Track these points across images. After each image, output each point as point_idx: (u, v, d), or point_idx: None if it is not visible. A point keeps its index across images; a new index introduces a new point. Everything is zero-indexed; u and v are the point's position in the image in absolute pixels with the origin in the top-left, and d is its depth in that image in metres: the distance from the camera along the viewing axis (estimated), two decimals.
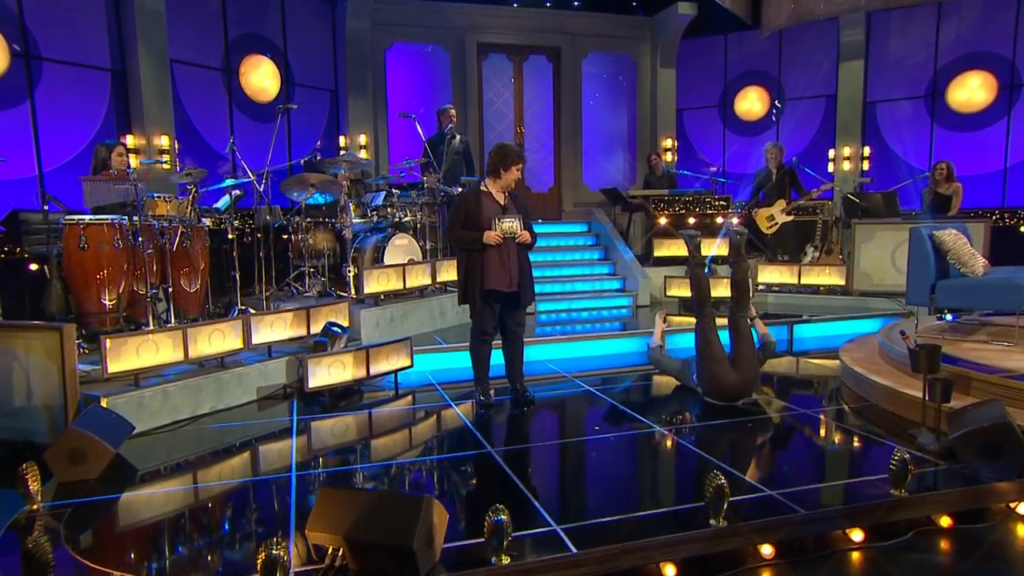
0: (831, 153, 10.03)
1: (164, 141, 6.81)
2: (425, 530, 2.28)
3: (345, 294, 6.11)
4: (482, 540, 2.34)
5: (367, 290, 5.78)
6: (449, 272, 6.58)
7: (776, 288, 7.96)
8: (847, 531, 2.72)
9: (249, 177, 5.68)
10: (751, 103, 10.63)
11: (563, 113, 9.91)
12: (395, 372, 5.04)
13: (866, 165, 9.97)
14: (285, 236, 6.72)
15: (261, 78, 7.98)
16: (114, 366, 3.92)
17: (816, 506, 2.78)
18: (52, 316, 4.42)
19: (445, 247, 7.21)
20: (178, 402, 4.20)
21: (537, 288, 7.63)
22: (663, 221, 8.46)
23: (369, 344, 4.98)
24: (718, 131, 10.92)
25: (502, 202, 4.30)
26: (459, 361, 5.46)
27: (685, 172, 9.32)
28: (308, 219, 6.52)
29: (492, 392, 4.47)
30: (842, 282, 7.64)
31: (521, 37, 9.64)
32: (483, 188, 4.32)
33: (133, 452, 3.66)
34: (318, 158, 7.46)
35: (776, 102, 10.44)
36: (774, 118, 10.44)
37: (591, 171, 10.24)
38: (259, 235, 6.15)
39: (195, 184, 4.82)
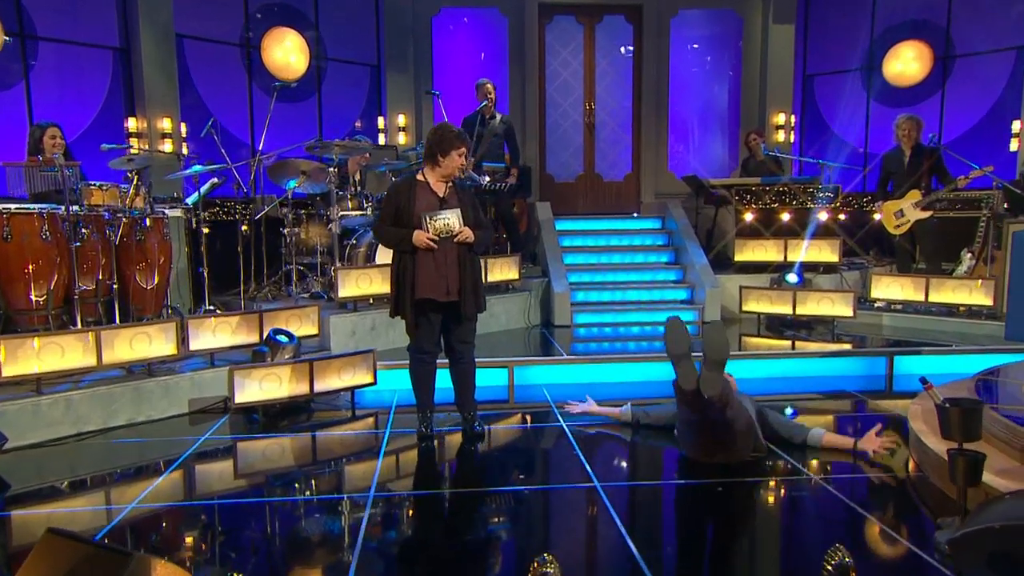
0: (1015, 126, 8.68)
1: (167, 124, 7.19)
2: None
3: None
4: None
5: (342, 293, 5.73)
6: None
7: (898, 306, 7.01)
8: None
9: (225, 164, 5.84)
10: (906, 63, 9.37)
11: (645, 85, 9.35)
12: (351, 390, 4.95)
13: None
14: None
15: (286, 53, 8.22)
16: (9, 370, 4.12)
17: None
18: None
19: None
20: (85, 412, 4.33)
21: (581, 296, 7.40)
22: (749, 217, 7.74)
23: (314, 356, 4.92)
24: (860, 101, 9.82)
25: (441, 193, 4.03)
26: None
27: (784, 155, 8.50)
28: (302, 211, 6.62)
29: (433, 421, 4.24)
30: (989, 302, 6.53)
31: None
32: (419, 177, 4.08)
33: (11, 466, 3.81)
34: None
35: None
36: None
37: (679, 156, 9.61)
38: (255, 228, 6.36)
39: (136, 171, 4.98)
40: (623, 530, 2.91)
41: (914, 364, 5.78)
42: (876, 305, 7.10)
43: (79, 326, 4.76)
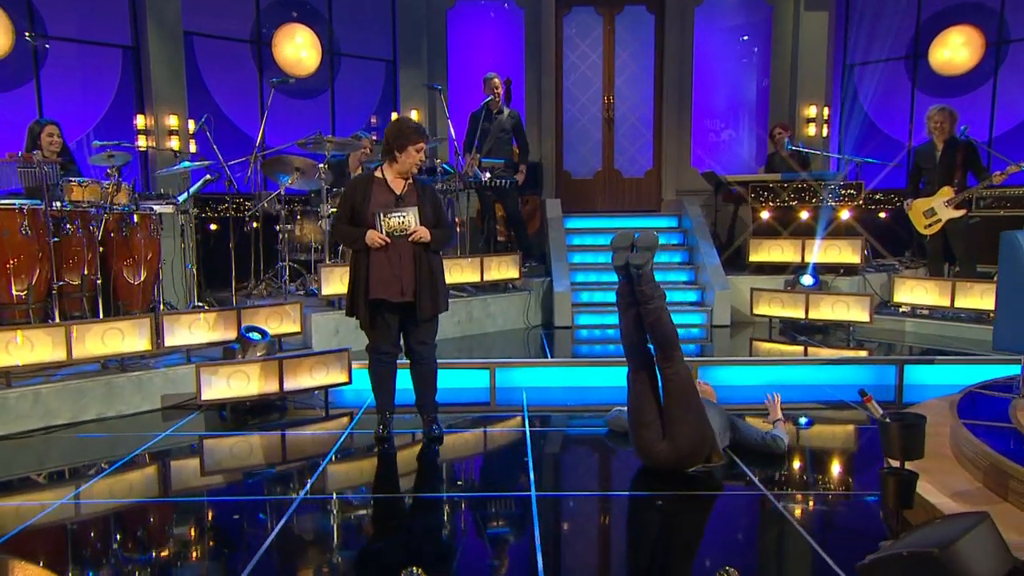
0: None
1: (173, 121, 7.38)
2: None
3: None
4: None
5: (326, 290, 5.77)
6: (452, 273, 6.40)
7: (925, 311, 6.70)
8: None
9: (217, 160, 5.95)
10: (954, 50, 8.91)
11: (667, 78, 9.15)
12: (325, 389, 4.98)
13: None
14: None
15: (297, 49, 8.33)
16: None
17: None
18: None
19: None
20: (54, 406, 4.47)
21: (585, 297, 7.28)
22: (765, 215, 7.50)
23: (285, 354, 4.97)
24: (904, 92, 9.41)
25: (399, 191, 4.01)
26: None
27: (810, 150, 8.18)
28: (297, 208, 6.71)
29: (391, 423, 4.25)
30: None
31: None
32: (377, 174, 4.07)
33: None
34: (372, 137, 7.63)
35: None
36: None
37: (703, 151, 9.37)
38: (256, 224, 6.49)
39: (117, 168, 5.11)
40: (537, 542, 2.84)
41: (926, 373, 5.51)
42: (901, 310, 6.81)
43: (57, 320, 4.91)
